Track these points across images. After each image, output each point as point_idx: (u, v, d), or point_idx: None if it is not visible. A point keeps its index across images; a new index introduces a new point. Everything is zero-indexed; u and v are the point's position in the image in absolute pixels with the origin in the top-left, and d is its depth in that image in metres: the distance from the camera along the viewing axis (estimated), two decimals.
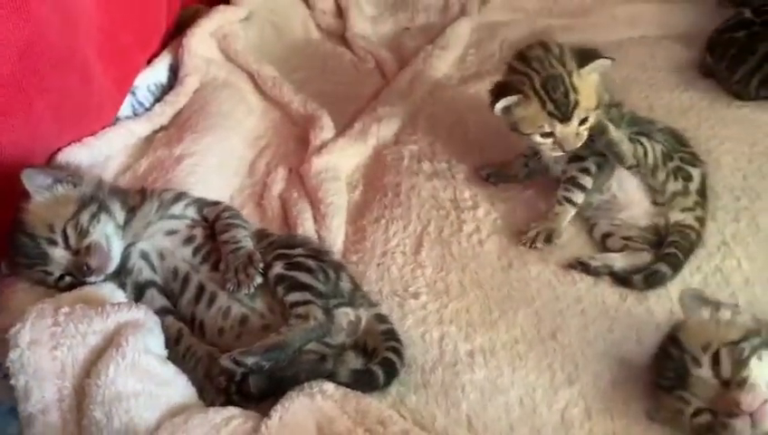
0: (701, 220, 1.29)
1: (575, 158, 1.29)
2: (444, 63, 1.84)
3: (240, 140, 1.59)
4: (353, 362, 1.07)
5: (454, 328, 1.15)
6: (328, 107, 1.70)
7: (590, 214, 1.33)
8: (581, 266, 1.24)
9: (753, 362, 0.91)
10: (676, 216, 1.26)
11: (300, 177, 1.48)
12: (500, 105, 1.24)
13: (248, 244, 1.13)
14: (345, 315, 1.08)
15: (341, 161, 1.52)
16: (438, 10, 2.08)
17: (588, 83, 1.23)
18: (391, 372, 1.05)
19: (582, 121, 1.23)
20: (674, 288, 1.19)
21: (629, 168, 1.27)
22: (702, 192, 1.32)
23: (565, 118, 1.21)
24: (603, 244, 1.29)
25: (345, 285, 1.13)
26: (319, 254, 1.15)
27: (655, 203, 1.28)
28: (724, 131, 1.55)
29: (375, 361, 1.05)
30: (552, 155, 1.28)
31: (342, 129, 1.60)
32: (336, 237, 1.34)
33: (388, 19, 2.06)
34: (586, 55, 1.24)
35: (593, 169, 1.28)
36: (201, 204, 1.22)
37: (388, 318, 1.14)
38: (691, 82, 1.71)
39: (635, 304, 1.18)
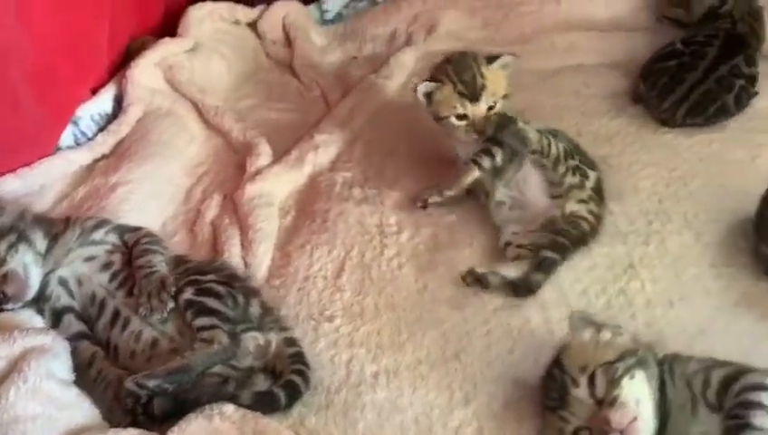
0: (594, 214, 1.36)
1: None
2: (385, 92, 1.90)
3: (179, 168, 1.65)
4: (261, 384, 1.11)
5: (363, 350, 1.20)
6: (271, 134, 1.76)
7: (499, 219, 1.40)
8: (471, 277, 1.28)
9: (625, 381, 0.95)
10: (571, 206, 1.34)
11: (234, 203, 1.53)
12: (421, 88, 1.42)
13: (162, 269, 1.17)
14: (253, 339, 1.12)
15: (276, 188, 1.57)
16: (385, 40, 2.14)
17: (495, 75, 1.42)
18: (294, 394, 1.09)
19: (491, 107, 1.39)
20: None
21: (533, 152, 1.37)
22: (598, 192, 1.40)
23: (474, 97, 1.38)
24: (504, 253, 1.35)
25: (254, 310, 1.17)
26: (230, 280, 1.19)
27: (553, 197, 1.36)
28: (646, 157, 1.61)
29: (279, 383, 1.10)
30: (466, 139, 1.41)
31: (279, 156, 1.66)
32: (261, 263, 1.38)
33: (336, 49, 2.13)
34: (494, 56, 1.45)
35: (505, 149, 1.38)
36: (122, 230, 1.27)
37: (298, 342, 1.18)
38: (621, 109, 1.76)
39: (539, 325, 1.22)
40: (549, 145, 1.37)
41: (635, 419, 0.93)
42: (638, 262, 1.34)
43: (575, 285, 1.30)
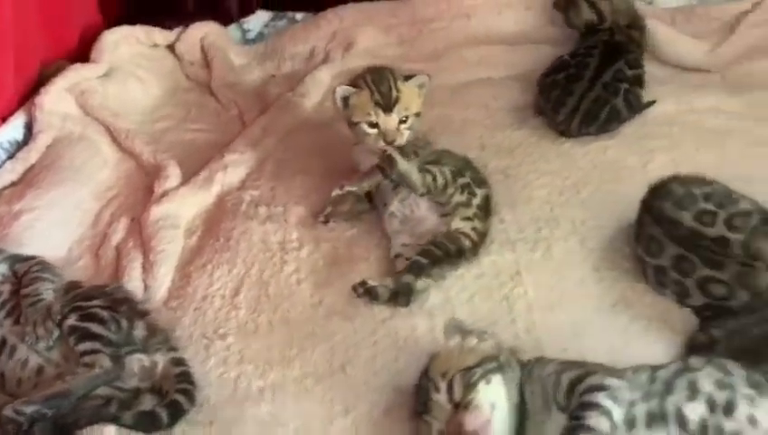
0: (478, 231, 1.41)
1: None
2: (300, 110, 1.94)
3: (89, 193, 1.67)
4: (148, 404, 1.13)
5: (251, 367, 1.23)
6: (186, 155, 1.79)
7: (391, 230, 1.45)
8: (362, 288, 1.33)
9: (482, 385, 0.99)
10: (456, 223, 1.40)
11: (140, 226, 1.56)
12: (339, 91, 1.48)
13: (49, 297, 1.20)
14: (138, 361, 1.15)
15: (183, 209, 1.60)
16: (304, 58, 2.19)
17: (410, 91, 1.49)
18: (176, 413, 1.12)
19: (403, 121, 1.46)
20: None
21: (422, 195, 1.42)
22: (484, 208, 1.45)
23: (388, 108, 1.44)
24: (394, 265, 1.39)
25: (139, 332, 1.20)
26: (115, 304, 1.22)
27: (442, 215, 1.42)
28: (544, 166, 1.67)
29: (162, 403, 1.13)
30: (375, 147, 1.45)
31: (189, 177, 1.69)
32: (161, 285, 1.41)
33: (256, 68, 2.17)
34: (411, 75, 1.52)
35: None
36: (14, 260, 1.29)
37: (186, 361, 1.21)
38: (524, 121, 1.83)
39: (425, 333, 1.27)
40: (434, 180, 1.41)
41: (488, 421, 0.98)
42: (524, 268, 1.40)
43: (462, 292, 1.35)
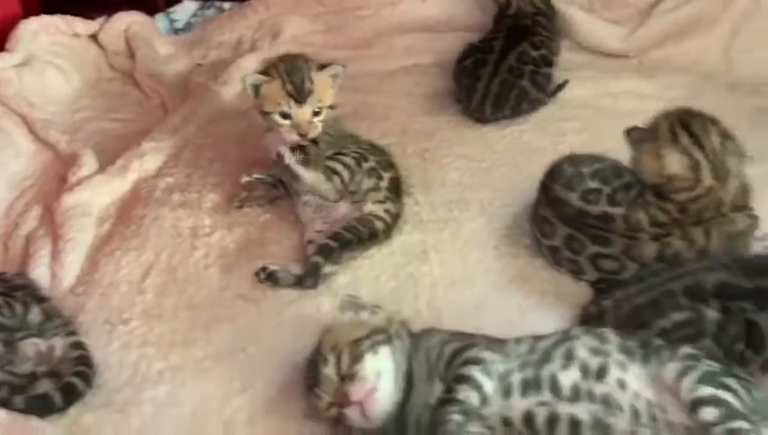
0: (390, 213, 1.43)
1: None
2: (221, 99, 1.94)
3: (3, 184, 1.65)
4: (45, 388, 1.13)
5: (153, 350, 1.23)
6: (107, 145, 1.78)
7: (304, 218, 1.45)
8: (264, 273, 1.34)
9: (368, 356, 1.02)
10: (369, 207, 1.41)
11: (51, 214, 1.54)
12: (249, 79, 1.44)
13: None
14: (33, 345, 1.15)
15: (96, 197, 1.59)
16: (231, 46, 2.18)
17: (324, 82, 1.45)
18: (71, 396, 1.12)
19: (316, 113, 1.43)
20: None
21: (336, 201, 1.42)
22: (393, 190, 1.46)
23: (300, 99, 1.41)
24: (306, 251, 1.40)
25: (34, 317, 1.20)
26: (11, 289, 1.21)
27: (354, 202, 1.43)
28: (460, 150, 1.71)
29: (56, 386, 1.12)
30: (289, 139, 1.43)
31: (104, 165, 1.68)
32: (68, 273, 1.40)
33: (182, 57, 2.15)
34: (325, 64, 1.48)
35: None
36: None
37: (84, 345, 1.21)
38: (445, 107, 1.86)
39: (329, 311, 1.27)
40: (342, 181, 1.41)
41: (373, 391, 1.00)
42: (432, 248, 1.43)
43: (370, 272, 1.38)
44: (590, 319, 1.20)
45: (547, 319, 1.24)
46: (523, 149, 1.69)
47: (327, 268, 1.33)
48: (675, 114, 1.25)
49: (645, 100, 1.84)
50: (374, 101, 1.92)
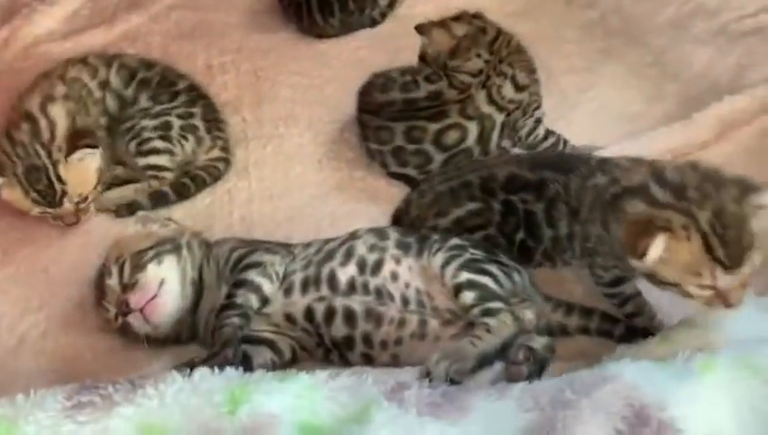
0: (224, 148, 1.43)
1: None
2: (49, 19, 1.83)
3: None
4: None
5: None
6: None
7: None
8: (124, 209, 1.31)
9: (151, 266, 1.03)
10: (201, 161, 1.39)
11: None
12: None
13: None
14: None
15: None
16: None
17: (77, 171, 1.24)
18: None
19: (83, 200, 1.26)
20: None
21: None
22: (213, 122, 1.44)
23: (56, 204, 1.23)
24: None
25: None
26: None
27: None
28: (295, 67, 1.69)
29: None
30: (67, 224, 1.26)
31: None
32: None
33: None
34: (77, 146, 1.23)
35: None
36: None
37: None
38: (285, 25, 1.81)
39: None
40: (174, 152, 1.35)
41: (154, 298, 1.01)
42: (253, 164, 1.43)
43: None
44: (399, 214, 1.26)
45: (358, 223, 1.26)
46: (358, 66, 1.67)
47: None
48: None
49: (485, 13, 1.87)
50: (213, 18, 1.86)
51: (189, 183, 1.35)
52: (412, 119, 1.32)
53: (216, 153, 1.41)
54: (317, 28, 1.76)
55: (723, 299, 0.89)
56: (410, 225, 1.19)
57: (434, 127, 1.31)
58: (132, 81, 1.39)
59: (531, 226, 1.11)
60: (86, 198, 1.26)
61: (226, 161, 1.41)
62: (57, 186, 1.21)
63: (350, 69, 1.68)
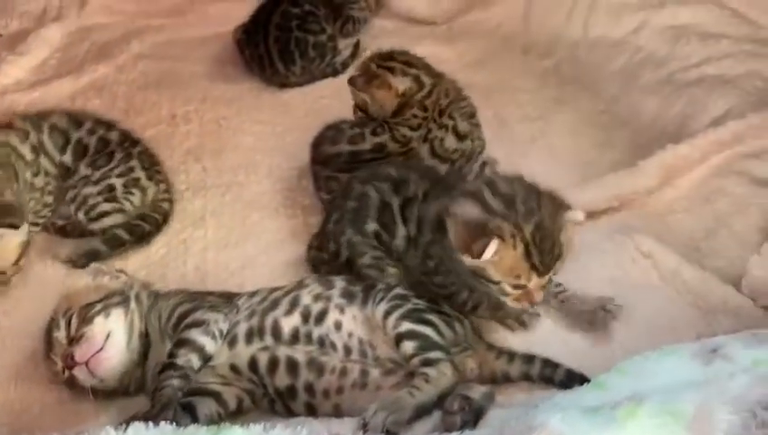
0: (166, 191, 1.45)
1: None
2: (17, 69, 1.88)
3: None
4: None
5: None
6: None
7: None
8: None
9: (98, 319, 1.04)
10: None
11: None
12: None
13: None
14: None
15: None
16: (35, 16, 2.09)
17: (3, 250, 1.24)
18: None
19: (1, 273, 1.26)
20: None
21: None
22: (149, 166, 1.45)
23: None
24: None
25: None
26: None
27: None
28: (258, 116, 1.74)
29: None
30: None
31: None
32: None
33: None
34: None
35: None
36: None
37: None
38: (251, 75, 1.87)
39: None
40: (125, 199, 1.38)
41: (100, 351, 1.02)
42: (210, 213, 1.46)
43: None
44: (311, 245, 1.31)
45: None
46: (320, 114, 1.71)
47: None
48: (373, 56, 1.47)
49: (443, 64, 1.90)
50: (179, 68, 1.91)
51: (142, 223, 1.38)
52: (357, 170, 1.34)
53: (160, 195, 1.44)
54: (279, 77, 1.82)
55: (529, 297, 1.04)
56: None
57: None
58: (67, 145, 1.39)
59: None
60: (3, 273, 1.25)
61: (170, 201, 1.45)
62: None
63: (312, 117, 1.72)
